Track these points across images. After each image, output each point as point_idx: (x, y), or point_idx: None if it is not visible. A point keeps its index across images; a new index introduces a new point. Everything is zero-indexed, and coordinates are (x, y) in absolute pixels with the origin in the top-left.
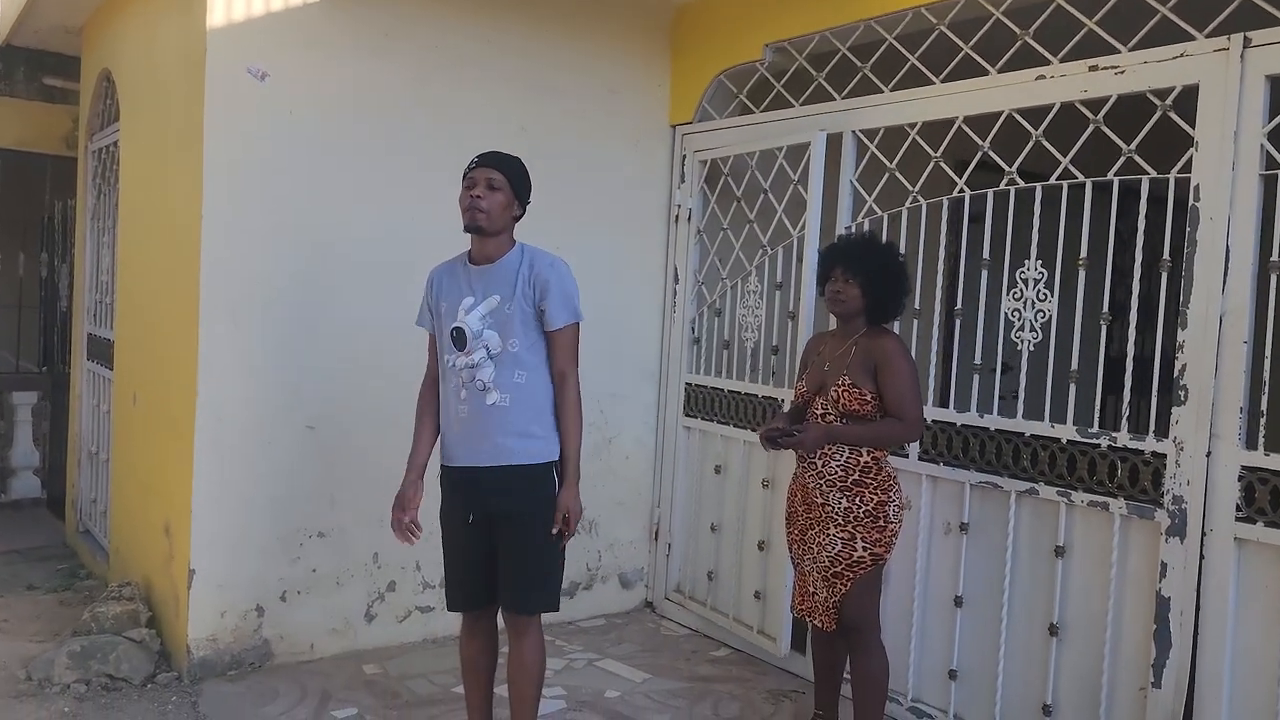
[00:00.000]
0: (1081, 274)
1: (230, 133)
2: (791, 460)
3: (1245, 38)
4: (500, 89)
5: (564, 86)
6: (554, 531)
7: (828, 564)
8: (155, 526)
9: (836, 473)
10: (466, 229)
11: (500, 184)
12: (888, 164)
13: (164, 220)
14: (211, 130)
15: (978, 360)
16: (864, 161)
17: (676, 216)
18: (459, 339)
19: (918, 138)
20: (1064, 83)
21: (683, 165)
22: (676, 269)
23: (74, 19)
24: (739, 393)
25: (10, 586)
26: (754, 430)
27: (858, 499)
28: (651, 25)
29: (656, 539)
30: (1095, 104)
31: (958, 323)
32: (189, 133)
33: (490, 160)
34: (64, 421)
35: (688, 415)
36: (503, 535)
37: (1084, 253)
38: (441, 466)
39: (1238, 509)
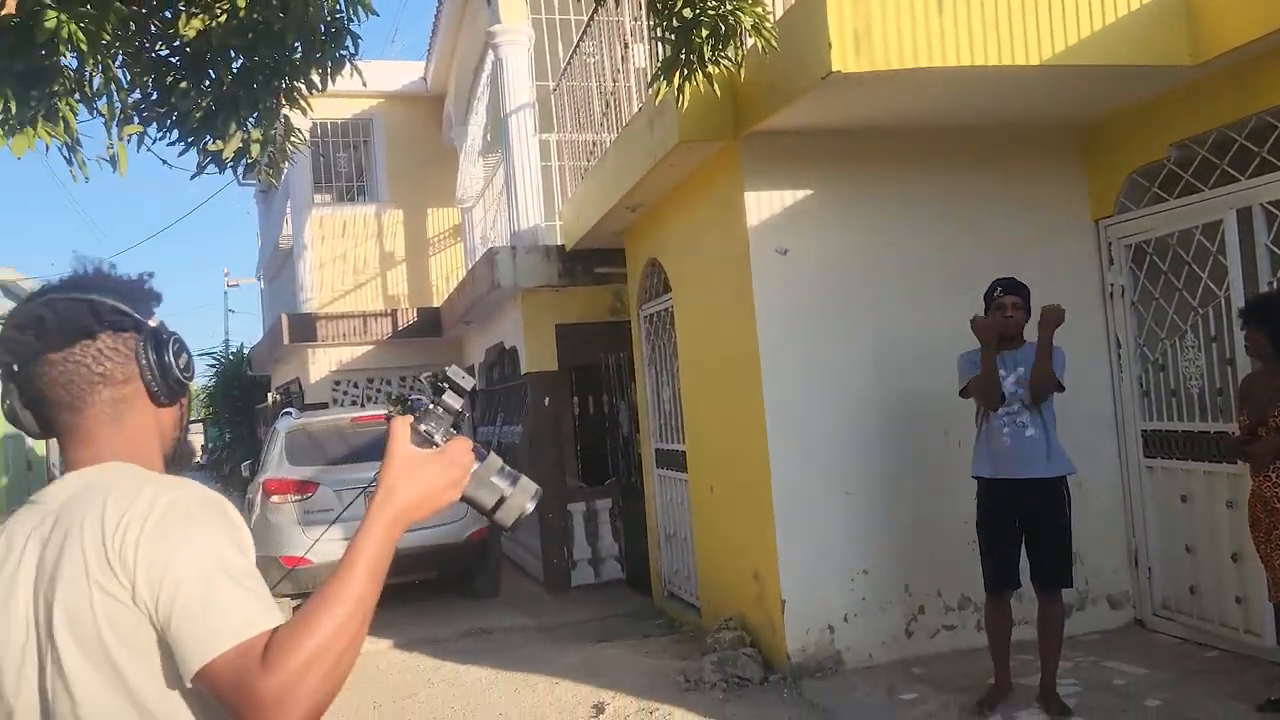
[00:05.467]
0: None
1: (767, 293)
2: (1246, 484)
3: None
4: (945, 230)
5: (989, 215)
6: None
7: None
8: (745, 575)
9: None
10: (1002, 338)
11: (1021, 306)
12: None
13: (722, 360)
14: (759, 293)
15: None
16: (1276, 227)
17: (1111, 293)
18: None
19: None
20: None
21: (1109, 251)
22: (1118, 337)
23: (623, 226)
24: (1192, 431)
25: (631, 634)
26: (1210, 463)
27: None
28: (1063, 146)
29: (1136, 565)
30: None
31: None
32: (740, 297)
33: (1014, 288)
34: (630, 519)
35: (1147, 457)
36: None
37: None
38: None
39: None
